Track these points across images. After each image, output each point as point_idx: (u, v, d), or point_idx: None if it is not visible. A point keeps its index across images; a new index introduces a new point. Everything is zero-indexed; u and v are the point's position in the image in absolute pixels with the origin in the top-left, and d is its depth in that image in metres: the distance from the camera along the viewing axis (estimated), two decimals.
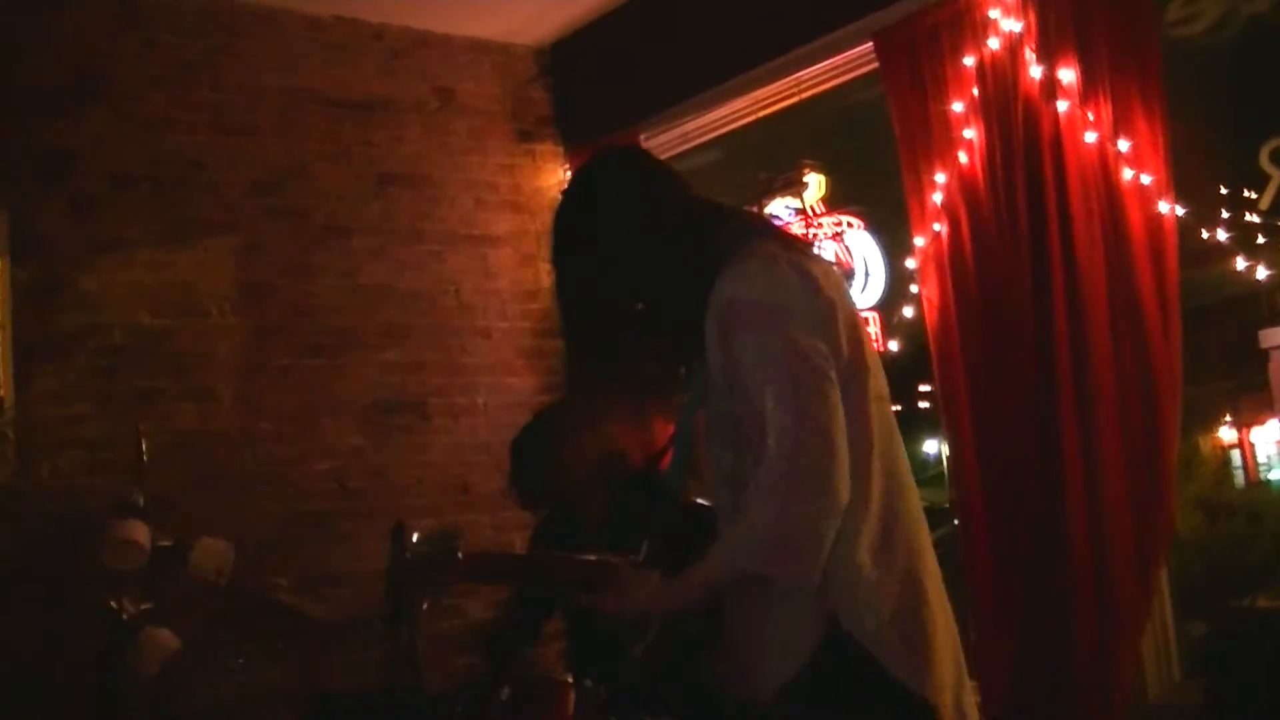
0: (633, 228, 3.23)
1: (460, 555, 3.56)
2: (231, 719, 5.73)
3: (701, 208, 3.29)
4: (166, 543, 5.60)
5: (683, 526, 3.48)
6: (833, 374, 2.95)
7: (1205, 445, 6.50)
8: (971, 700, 3.15)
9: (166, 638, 5.52)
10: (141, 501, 5.63)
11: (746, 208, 7.00)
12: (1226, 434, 6.28)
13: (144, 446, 5.73)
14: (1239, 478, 6.35)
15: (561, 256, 3.36)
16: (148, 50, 6.55)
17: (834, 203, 6.83)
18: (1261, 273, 5.00)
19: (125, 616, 5.48)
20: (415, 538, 3.60)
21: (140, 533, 5.53)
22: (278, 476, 6.59)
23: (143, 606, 5.52)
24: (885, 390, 3.16)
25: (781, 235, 3.31)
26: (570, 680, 4.14)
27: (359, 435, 6.88)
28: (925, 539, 3.16)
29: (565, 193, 3.42)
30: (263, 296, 6.71)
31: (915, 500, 3.18)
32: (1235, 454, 6.32)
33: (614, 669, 4.20)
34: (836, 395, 2.94)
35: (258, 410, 6.60)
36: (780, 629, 3.05)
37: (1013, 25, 5.41)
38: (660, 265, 3.22)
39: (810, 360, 2.95)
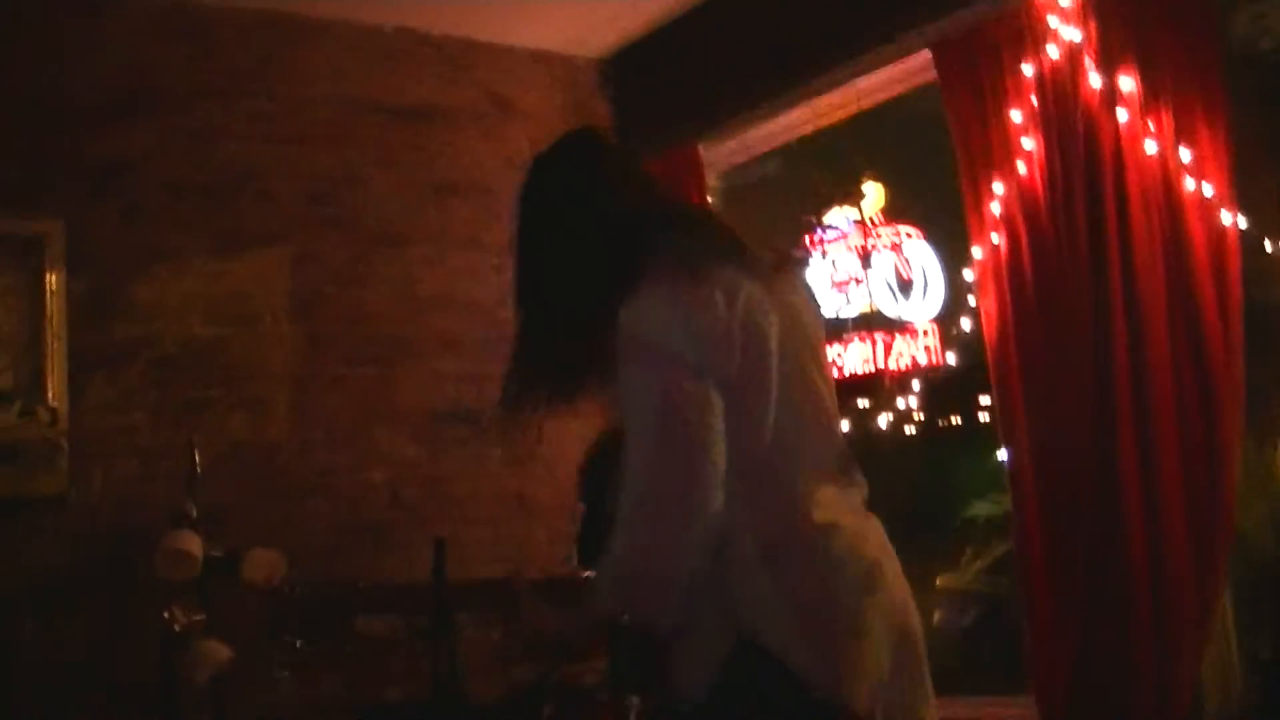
0: (564, 225, 3.24)
1: None
2: None
3: (646, 213, 3.22)
4: (218, 553, 5.59)
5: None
6: (707, 398, 2.90)
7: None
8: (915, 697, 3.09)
9: (218, 648, 5.51)
10: (194, 512, 5.63)
11: (804, 218, 7.01)
12: None
13: (196, 457, 5.72)
14: None
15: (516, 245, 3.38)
16: (200, 60, 6.56)
17: (893, 213, 6.76)
18: None
19: (177, 627, 5.48)
20: None
21: (193, 543, 5.52)
22: (331, 487, 6.57)
23: (195, 617, 5.51)
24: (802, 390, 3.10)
25: (695, 252, 3.10)
26: (615, 698, 4.08)
27: (413, 445, 6.86)
28: (851, 533, 3.08)
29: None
30: (316, 305, 6.71)
31: (842, 499, 3.13)
32: None
33: (662, 688, 4.17)
34: (706, 420, 2.90)
35: (311, 420, 6.59)
36: (691, 645, 3.04)
37: (1073, 34, 5.33)
38: (577, 271, 3.20)
39: (674, 397, 2.90)
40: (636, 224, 3.18)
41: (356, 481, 6.67)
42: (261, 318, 6.55)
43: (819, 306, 3.33)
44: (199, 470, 5.72)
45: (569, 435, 6.74)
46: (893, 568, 3.15)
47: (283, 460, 6.48)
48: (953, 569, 11.76)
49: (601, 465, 5.04)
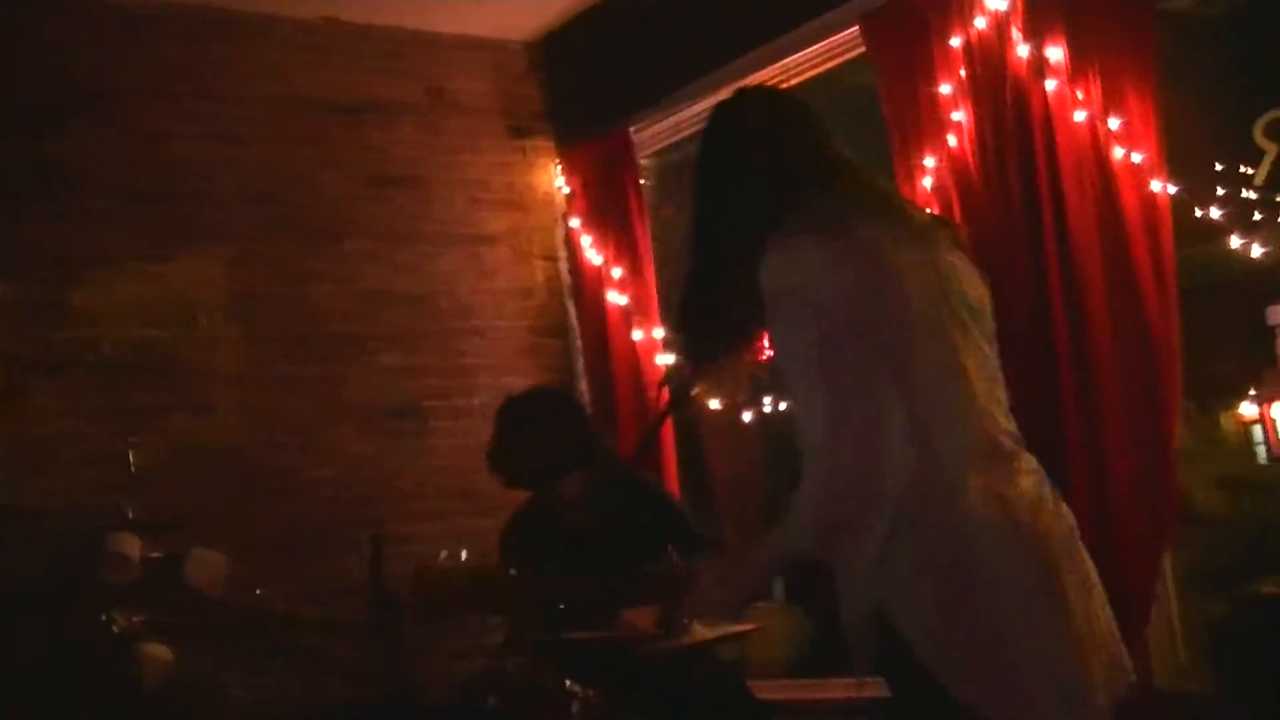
0: (725, 174, 3.26)
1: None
2: None
3: (804, 166, 3.23)
4: (157, 555, 5.57)
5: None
6: (860, 360, 2.91)
7: (1227, 422, 6.44)
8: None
9: (161, 651, 5.50)
10: (131, 514, 5.61)
11: None
12: (1248, 409, 6.20)
13: (131, 458, 5.70)
14: (1262, 453, 6.28)
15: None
16: (136, 61, 6.54)
17: None
18: (1257, 250, 4.93)
19: (116, 629, 5.46)
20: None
21: (131, 546, 5.52)
22: (277, 486, 6.56)
23: (135, 619, 5.50)
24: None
25: (842, 206, 3.14)
26: (563, 687, 4.09)
27: (359, 441, 6.86)
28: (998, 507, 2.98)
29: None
30: (258, 305, 6.69)
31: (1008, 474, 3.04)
32: (1257, 430, 6.24)
33: (611, 674, 4.18)
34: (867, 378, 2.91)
35: (256, 420, 6.58)
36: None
37: (999, 4, 5.33)
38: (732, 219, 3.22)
39: (826, 349, 2.90)
40: (791, 176, 3.20)
41: (303, 480, 6.65)
42: (203, 318, 6.54)
43: (976, 269, 3.31)
44: (134, 472, 5.71)
45: None
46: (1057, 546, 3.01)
47: (229, 461, 6.45)
48: None
49: (518, 535, 5.10)
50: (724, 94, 6.66)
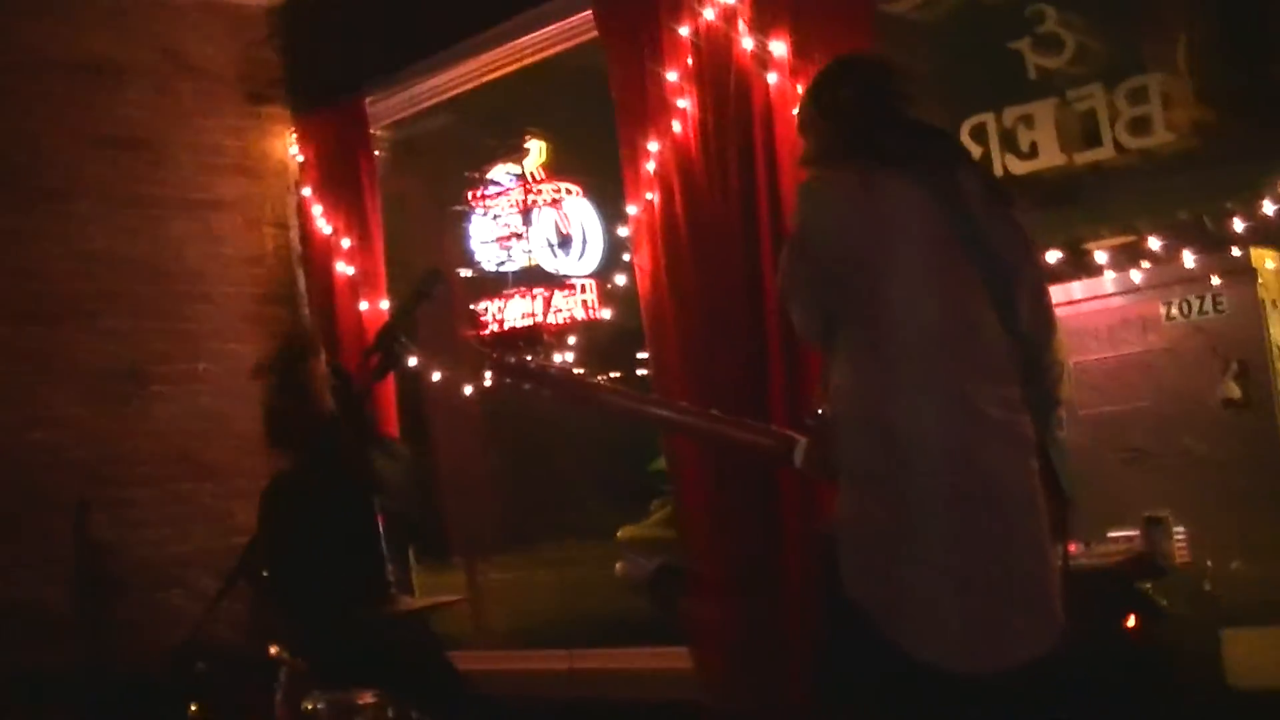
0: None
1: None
2: None
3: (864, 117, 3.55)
4: None
5: None
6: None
7: None
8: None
9: None
10: None
11: (469, 173, 7.07)
12: None
13: None
14: None
15: None
16: None
17: (555, 169, 6.85)
18: None
19: None
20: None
21: None
22: None
23: None
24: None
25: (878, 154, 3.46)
26: (270, 651, 4.11)
27: (77, 405, 6.72)
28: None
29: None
30: None
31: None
32: None
33: (316, 640, 4.21)
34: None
35: None
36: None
37: None
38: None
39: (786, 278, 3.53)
40: (847, 124, 3.56)
41: (19, 441, 6.50)
42: None
43: (1016, 233, 3.50)
44: None
45: (234, 394, 6.76)
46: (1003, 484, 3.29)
47: None
48: (638, 522, 11.98)
49: (276, 499, 5.09)
50: (460, 69, 6.84)
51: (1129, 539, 4.66)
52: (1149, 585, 4.46)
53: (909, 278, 3.31)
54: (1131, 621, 4.18)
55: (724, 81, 5.47)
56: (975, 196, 3.42)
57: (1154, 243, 5.12)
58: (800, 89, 5.18)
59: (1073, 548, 4.34)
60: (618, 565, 12.15)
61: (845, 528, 3.32)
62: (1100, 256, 5.19)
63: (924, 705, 3.19)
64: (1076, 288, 5.31)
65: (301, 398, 4.93)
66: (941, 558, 3.19)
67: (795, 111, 4.06)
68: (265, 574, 4.33)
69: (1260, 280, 5.09)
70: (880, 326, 3.30)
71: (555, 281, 6.62)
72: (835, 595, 3.28)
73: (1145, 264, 5.18)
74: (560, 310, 6.58)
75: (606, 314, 6.18)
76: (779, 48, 5.31)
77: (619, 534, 12.11)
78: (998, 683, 3.17)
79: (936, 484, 3.22)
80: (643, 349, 5.86)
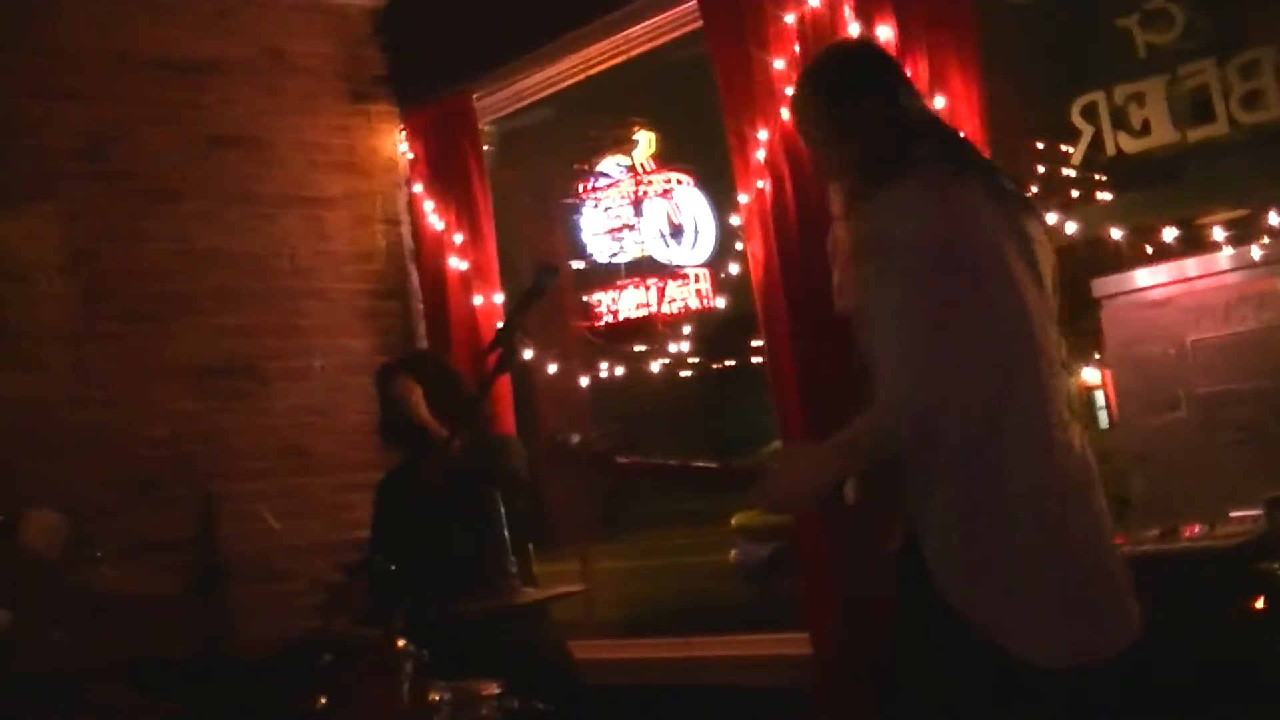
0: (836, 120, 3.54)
1: (617, 459, 3.73)
2: (62, 688, 5.67)
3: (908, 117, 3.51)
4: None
5: None
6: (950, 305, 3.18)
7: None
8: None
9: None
10: None
11: (577, 165, 7.09)
12: (1090, 376, 6.36)
13: None
14: (1103, 418, 6.44)
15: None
16: None
17: (664, 160, 6.85)
18: (1071, 227, 5.09)
19: None
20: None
21: None
22: (107, 443, 6.50)
23: None
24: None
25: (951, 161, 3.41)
26: (395, 643, 4.14)
27: (191, 399, 6.81)
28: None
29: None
30: (90, 262, 6.62)
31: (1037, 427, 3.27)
32: (1099, 395, 6.40)
33: (436, 631, 4.24)
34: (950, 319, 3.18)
35: (86, 377, 6.51)
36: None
37: None
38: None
39: (923, 297, 3.19)
40: (897, 125, 3.47)
41: (134, 438, 6.60)
42: (33, 275, 6.45)
43: (1049, 240, 3.52)
44: None
45: (347, 389, 6.83)
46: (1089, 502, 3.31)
47: (58, 418, 6.38)
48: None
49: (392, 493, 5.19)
50: (566, 62, 6.88)
51: (1253, 519, 4.60)
52: (1275, 565, 4.40)
53: (1015, 280, 3.29)
54: (1260, 603, 4.12)
55: None
56: (1013, 199, 3.45)
57: (1272, 218, 5.04)
58: (908, 73, 5.19)
59: (1195, 529, 4.34)
60: (732, 552, 12.14)
61: (940, 534, 3.26)
62: (1216, 233, 5.11)
63: (1030, 703, 3.18)
64: (1190, 265, 5.24)
65: (392, 410, 5.31)
66: (1046, 554, 3.19)
67: (794, 119, 3.80)
68: (393, 567, 4.37)
69: None
70: (1001, 329, 3.26)
71: (668, 271, 6.62)
72: (926, 606, 3.24)
73: (1265, 239, 5.10)
74: (674, 300, 6.58)
75: (720, 303, 6.17)
76: (885, 32, 5.28)
77: (733, 520, 12.08)
78: (1099, 675, 3.18)
79: (1040, 480, 3.22)
80: (757, 337, 5.86)
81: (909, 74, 5.09)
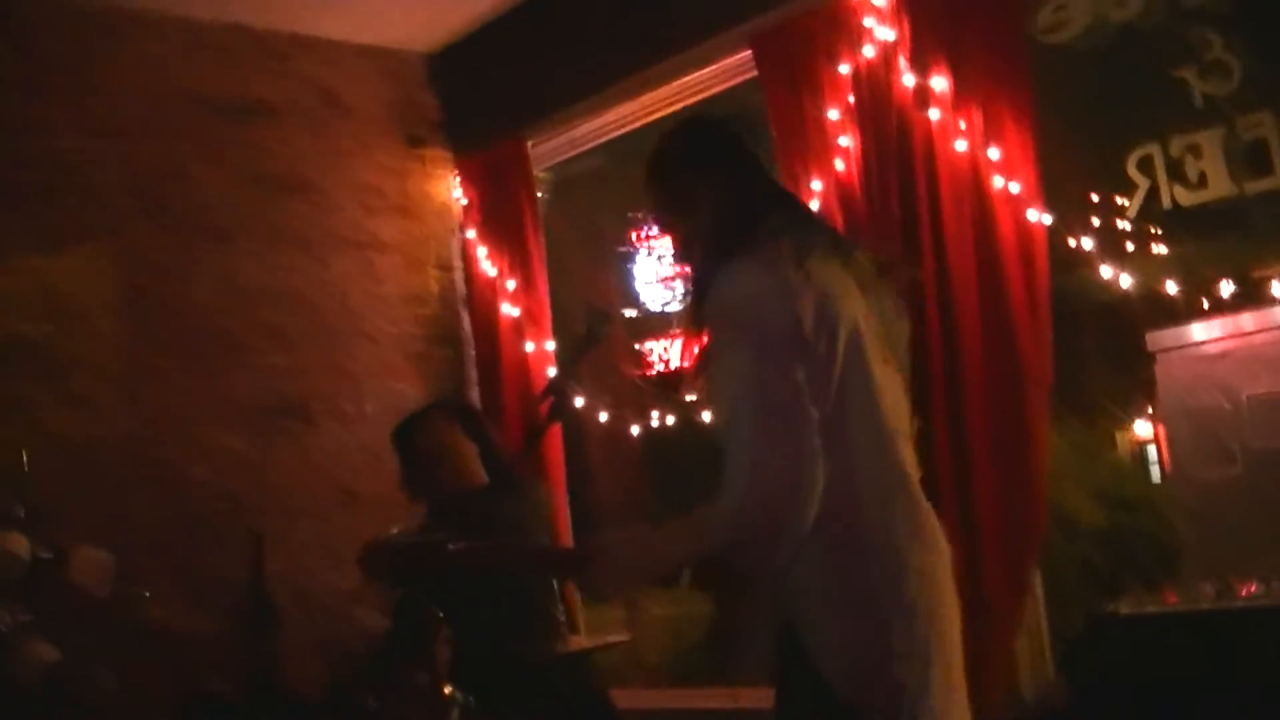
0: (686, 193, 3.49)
1: (450, 547, 3.77)
2: None
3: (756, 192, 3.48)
4: (47, 555, 5.53)
5: None
6: (796, 385, 3.10)
7: (1121, 440, 6.56)
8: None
9: (46, 650, 5.45)
10: (22, 513, 5.56)
11: (632, 214, 7.09)
12: (1143, 430, 6.33)
13: (25, 455, 5.66)
14: (1155, 473, 6.41)
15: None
16: (18, 52, 6.47)
17: None
18: (1125, 280, 5.06)
19: (3, 629, 5.41)
20: None
21: (19, 544, 5.44)
22: (157, 481, 6.51)
23: (21, 619, 5.45)
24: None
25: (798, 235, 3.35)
26: (440, 689, 4.14)
27: (241, 438, 6.83)
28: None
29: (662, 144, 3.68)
30: (141, 300, 6.65)
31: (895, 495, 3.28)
32: (1151, 449, 6.37)
33: (488, 679, 4.24)
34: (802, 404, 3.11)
35: (137, 415, 6.53)
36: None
37: (887, 34, 5.46)
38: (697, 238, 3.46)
39: (769, 384, 3.10)
40: (746, 201, 3.42)
41: (183, 476, 6.61)
42: (85, 314, 6.48)
43: (902, 309, 3.54)
44: (27, 470, 5.66)
45: None
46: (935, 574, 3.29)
47: (109, 456, 6.40)
48: None
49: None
50: (621, 110, 6.89)
51: None
52: None
53: (863, 354, 3.26)
54: None
55: (885, 119, 5.46)
56: (866, 271, 3.42)
57: None
58: (963, 125, 5.20)
59: (1253, 587, 4.30)
60: None
61: (824, 627, 3.22)
62: (1274, 288, 5.07)
63: None
64: (1247, 319, 5.20)
65: (413, 463, 5.48)
66: (923, 644, 3.20)
67: (653, 184, 3.68)
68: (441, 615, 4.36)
69: None
70: (848, 422, 3.21)
71: None
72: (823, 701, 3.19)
73: None
74: None
75: None
76: (940, 83, 5.29)
77: None
78: None
79: (905, 574, 3.23)
80: None
81: (964, 124, 5.16)
